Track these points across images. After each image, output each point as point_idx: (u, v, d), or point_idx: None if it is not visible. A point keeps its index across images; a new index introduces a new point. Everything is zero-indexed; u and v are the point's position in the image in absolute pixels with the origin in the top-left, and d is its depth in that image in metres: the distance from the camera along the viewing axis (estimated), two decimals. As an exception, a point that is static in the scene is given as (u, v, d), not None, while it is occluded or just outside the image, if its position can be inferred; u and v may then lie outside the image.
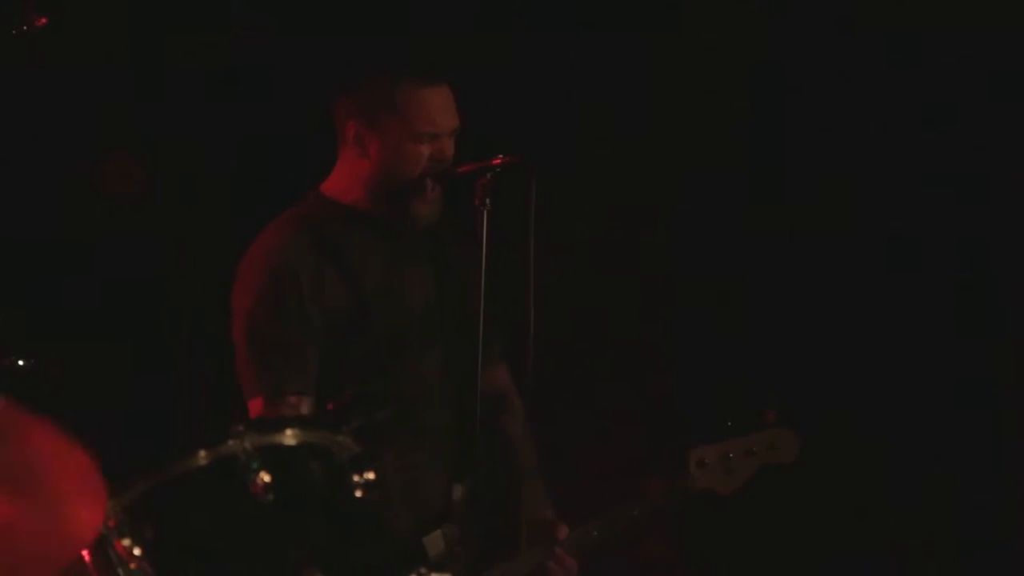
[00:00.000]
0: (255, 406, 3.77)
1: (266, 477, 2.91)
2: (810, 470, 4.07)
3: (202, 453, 2.95)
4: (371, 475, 3.01)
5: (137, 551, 2.90)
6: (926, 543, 5.08)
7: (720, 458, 3.95)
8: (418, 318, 3.90)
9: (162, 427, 4.51)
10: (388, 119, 3.83)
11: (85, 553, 2.95)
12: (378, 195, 3.87)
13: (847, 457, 5.09)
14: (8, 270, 4.51)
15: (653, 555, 5.14)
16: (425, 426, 3.84)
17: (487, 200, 3.79)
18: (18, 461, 2.36)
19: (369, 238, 3.88)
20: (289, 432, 3.01)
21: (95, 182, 4.72)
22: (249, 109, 5.00)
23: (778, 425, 4.03)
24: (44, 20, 4.00)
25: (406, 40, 5.01)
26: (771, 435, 4.02)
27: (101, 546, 2.92)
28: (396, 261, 3.91)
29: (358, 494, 3.01)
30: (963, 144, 5.05)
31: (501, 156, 3.81)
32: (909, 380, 5.10)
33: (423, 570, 2.93)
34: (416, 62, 4.00)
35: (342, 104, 3.92)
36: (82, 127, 4.75)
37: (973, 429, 5.06)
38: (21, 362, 4.36)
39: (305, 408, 3.72)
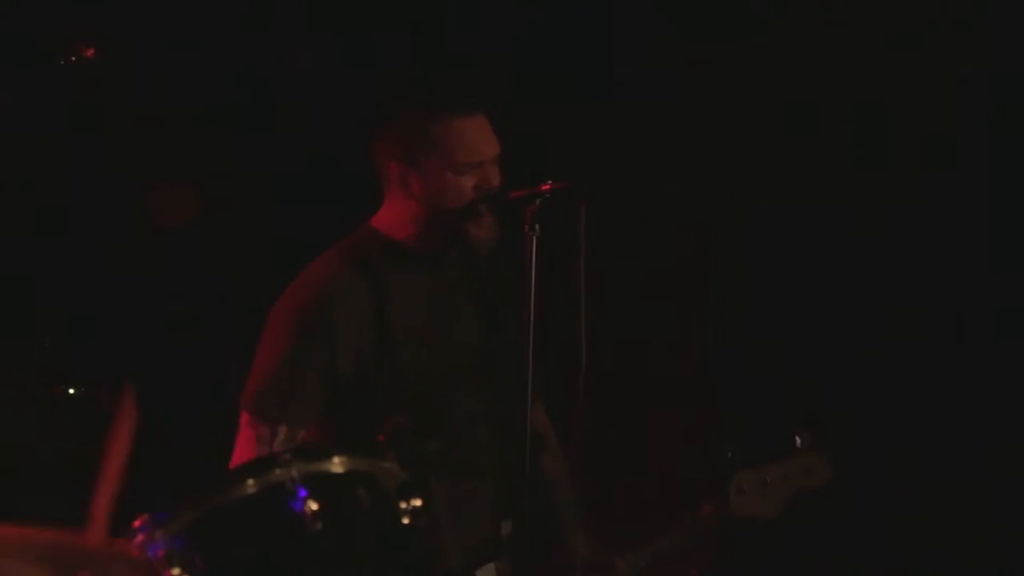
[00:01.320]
0: (242, 418, 3.75)
1: (314, 505, 2.92)
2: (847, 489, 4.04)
3: (250, 481, 2.97)
4: (418, 502, 3.02)
5: (186, 580, 2.91)
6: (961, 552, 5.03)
7: (758, 484, 3.95)
8: (461, 355, 3.87)
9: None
10: (427, 156, 3.77)
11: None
12: (431, 230, 3.83)
13: (886, 473, 5.06)
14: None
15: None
16: (471, 462, 3.81)
17: (536, 226, 3.74)
18: None
19: (417, 275, 3.84)
20: (336, 460, 3.03)
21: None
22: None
23: (812, 448, 4.03)
24: (92, 51, 4.05)
25: (442, 67, 4.99)
26: (806, 459, 4.02)
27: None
28: (442, 299, 3.87)
29: (405, 521, 3.02)
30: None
31: (551, 181, 3.77)
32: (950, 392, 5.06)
33: (470, 596, 2.92)
34: (445, 93, 3.93)
35: (380, 145, 3.87)
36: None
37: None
38: (72, 391, 4.41)
39: (283, 437, 3.68)
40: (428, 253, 3.86)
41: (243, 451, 3.71)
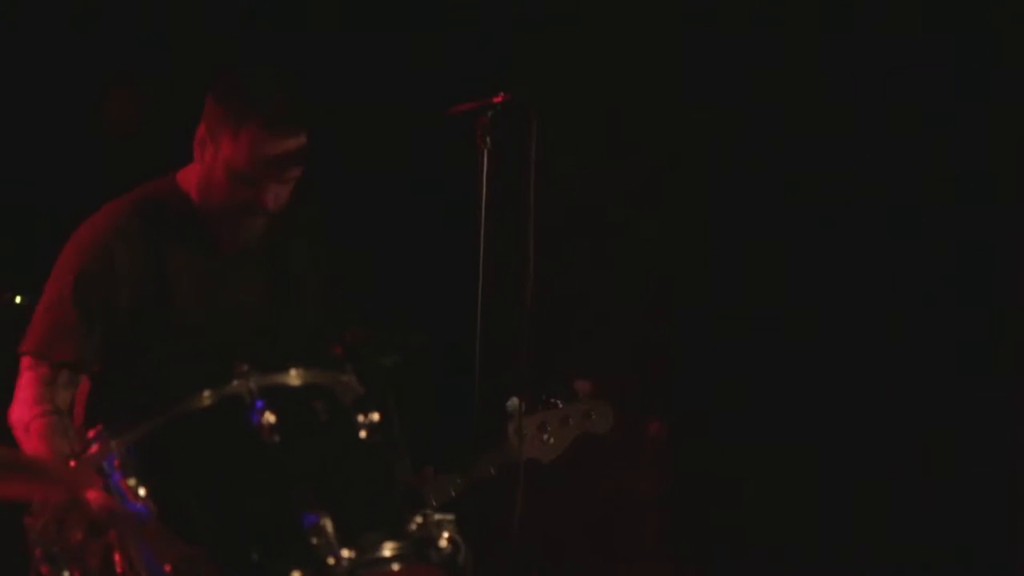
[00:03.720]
0: (23, 361, 3.68)
1: (271, 417, 2.92)
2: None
3: (206, 393, 2.96)
4: (375, 416, 3.02)
5: (142, 491, 2.91)
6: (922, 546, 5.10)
7: (539, 428, 4.04)
8: (239, 315, 3.79)
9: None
10: (226, 144, 3.64)
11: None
12: (211, 200, 3.71)
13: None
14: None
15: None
16: None
17: (487, 139, 3.73)
18: None
19: (204, 235, 3.74)
20: (293, 373, 3.02)
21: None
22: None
23: (592, 396, 4.14)
24: None
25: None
26: (586, 406, 4.12)
27: (107, 484, 2.94)
28: (226, 261, 3.76)
29: (362, 434, 3.02)
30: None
31: (502, 94, 3.75)
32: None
33: (428, 511, 2.93)
34: (273, 105, 3.68)
35: (208, 99, 3.72)
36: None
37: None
38: (18, 299, 4.36)
39: (64, 379, 3.62)
40: (209, 216, 3.75)
41: (25, 391, 3.64)
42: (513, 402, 3.87)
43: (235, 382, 2.95)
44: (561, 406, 4.09)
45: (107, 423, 2.96)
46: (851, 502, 5.10)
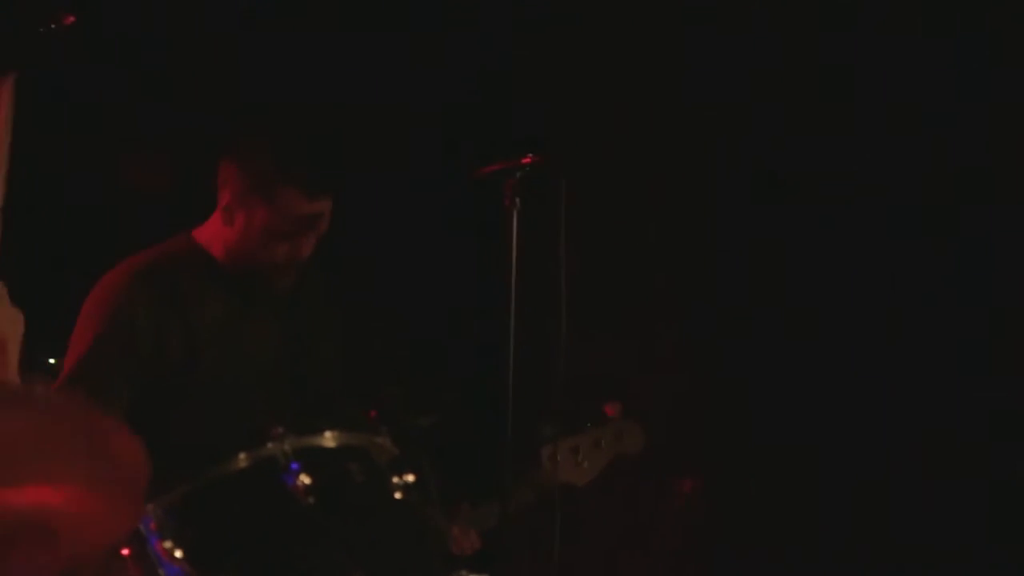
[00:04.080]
0: None
1: (306, 479, 2.93)
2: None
3: (242, 456, 2.98)
4: (410, 477, 3.03)
5: (179, 553, 2.92)
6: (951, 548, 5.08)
7: (569, 452, 4.05)
8: (260, 373, 3.77)
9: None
10: (260, 206, 3.69)
11: (126, 551, 2.98)
12: (239, 262, 3.75)
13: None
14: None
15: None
16: None
17: (516, 200, 3.75)
18: (74, 448, 2.38)
19: (221, 291, 3.76)
20: (328, 435, 3.04)
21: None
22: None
23: (622, 417, 4.15)
24: (72, 18, 4.00)
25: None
26: (616, 427, 4.13)
27: (142, 547, 2.95)
28: (247, 317, 3.78)
29: (397, 495, 3.03)
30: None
31: (531, 155, 3.78)
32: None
33: (463, 572, 2.94)
34: (306, 170, 3.73)
35: (226, 168, 3.77)
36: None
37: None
38: (52, 361, 4.36)
39: None
40: (235, 274, 3.78)
41: None
42: (545, 428, 3.90)
43: (270, 444, 2.97)
44: (592, 429, 4.10)
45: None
46: (849, 504, 5.08)
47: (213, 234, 3.80)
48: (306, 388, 3.84)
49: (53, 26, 3.98)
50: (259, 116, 4.83)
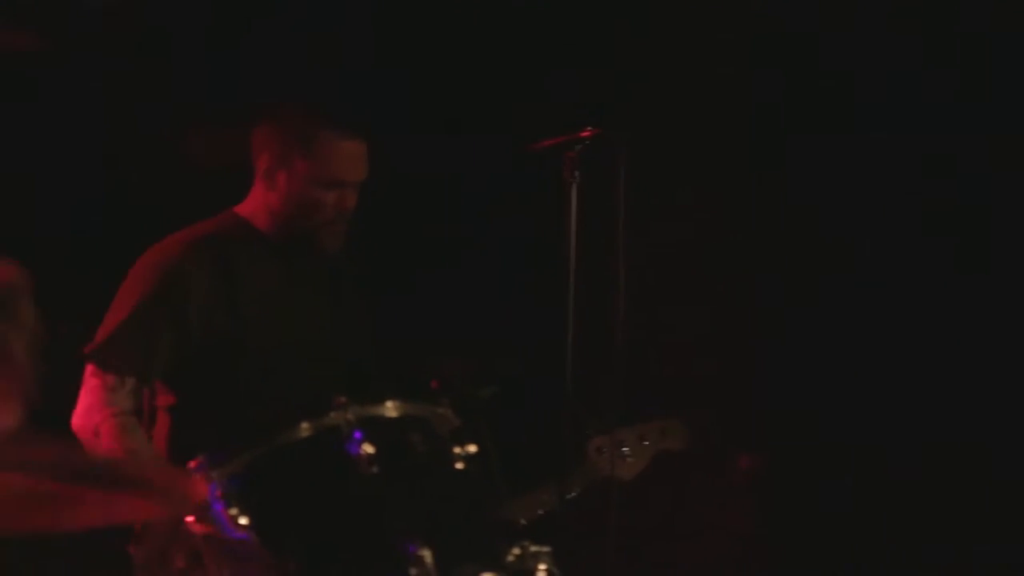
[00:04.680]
0: (87, 368, 3.70)
1: (369, 448, 2.96)
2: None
3: (305, 425, 3.01)
4: (472, 448, 3.05)
5: (244, 520, 2.95)
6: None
7: (616, 446, 4.07)
8: (303, 342, 3.83)
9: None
10: (300, 161, 3.79)
11: (191, 518, 3.02)
12: (285, 226, 3.83)
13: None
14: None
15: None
16: None
17: (576, 173, 3.76)
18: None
19: (269, 261, 3.83)
20: (390, 404, 3.06)
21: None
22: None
23: (665, 414, 4.21)
24: None
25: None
26: (660, 424, 4.19)
27: (207, 514, 2.98)
28: (290, 287, 3.85)
29: (459, 466, 3.05)
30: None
31: (590, 128, 3.79)
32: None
33: (525, 543, 2.96)
34: (338, 118, 3.89)
35: (260, 135, 3.88)
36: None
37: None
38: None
39: (129, 388, 3.65)
40: (282, 244, 3.85)
41: (89, 398, 3.66)
42: (592, 421, 3.93)
43: (333, 414, 2.99)
44: (636, 425, 4.16)
45: (207, 454, 3.01)
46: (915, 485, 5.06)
47: (256, 206, 3.87)
48: (350, 357, 3.89)
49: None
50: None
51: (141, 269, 3.78)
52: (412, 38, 5.11)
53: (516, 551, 2.94)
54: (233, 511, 2.95)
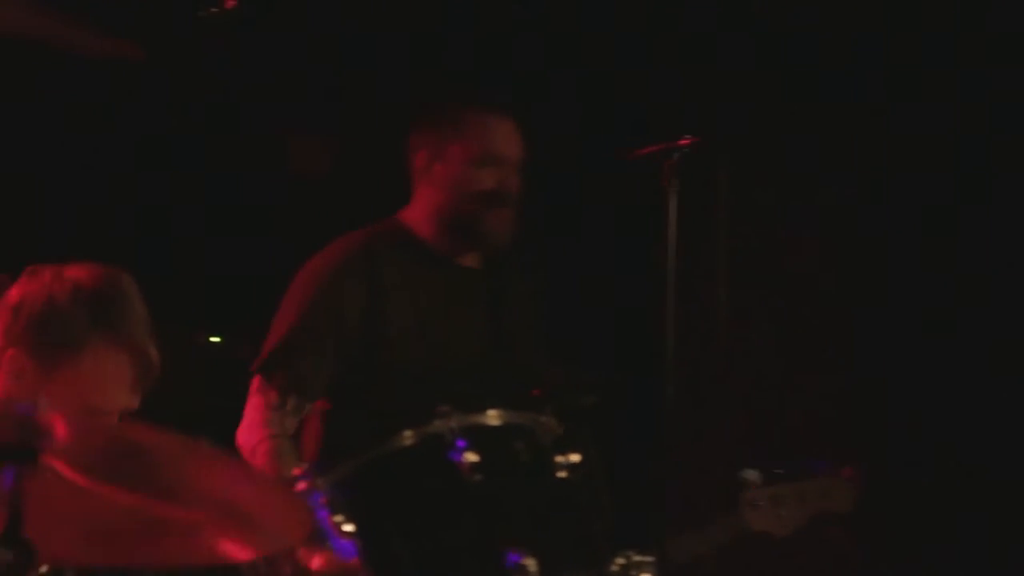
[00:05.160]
0: (253, 383, 3.78)
1: (472, 457, 2.97)
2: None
3: (408, 433, 3.02)
4: (575, 457, 3.06)
5: (349, 527, 2.97)
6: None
7: (772, 501, 3.93)
8: (456, 358, 3.86)
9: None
10: (454, 144, 3.86)
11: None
12: (450, 223, 3.88)
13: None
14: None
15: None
16: None
17: (674, 181, 3.76)
18: (217, 491, 2.45)
19: (427, 271, 3.88)
20: (493, 413, 3.07)
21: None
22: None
23: (833, 474, 4.01)
24: (234, 2, 4.07)
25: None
26: (825, 483, 4.00)
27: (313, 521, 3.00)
28: (448, 301, 3.89)
29: (561, 475, 3.05)
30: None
31: (689, 136, 3.79)
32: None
33: (629, 552, 2.96)
34: (483, 94, 4.02)
35: (413, 135, 3.95)
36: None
37: None
38: (214, 339, 4.46)
39: (291, 406, 3.72)
40: (444, 255, 3.89)
41: (252, 415, 3.74)
42: (750, 472, 3.87)
43: (437, 422, 3.01)
44: (798, 481, 3.98)
45: (313, 461, 3.04)
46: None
47: (418, 209, 3.93)
48: (506, 367, 3.90)
49: (215, 10, 4.08)
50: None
51: (302, 279, 3.86)
52: (513, 40, 5.12)
53: (620, 560, 2.95)
54: (338, 518, 2.97)
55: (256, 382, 3.78)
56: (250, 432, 3.71)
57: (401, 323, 3.81)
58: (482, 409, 3.07)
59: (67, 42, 4.31)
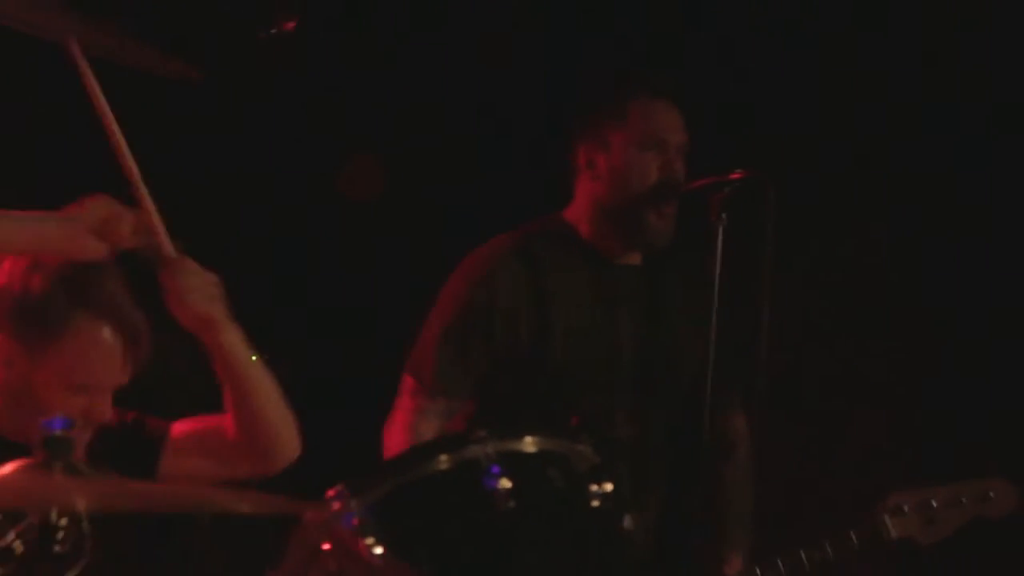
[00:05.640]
0: (407, 382, 3.87)
1: (507, 483, 2.96)
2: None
3: (444, 457, 3.02)
4: (609, 486, 3.04)
5: (378, 550, 2.97)
6: None
7: (920, 505, 3.80)
8: (615, 359, 3.90)
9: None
10: (615, 132, 3.88)
11: (327, 546, 3.04)
12: (612, 220, 3.90)
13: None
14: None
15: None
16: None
17: (723, 215, 3.77)
18: None
19: (586, 273, 3.91)
20: (529, 440, 3.06)
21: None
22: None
23: (995, 474, 3.87)
24: (292, 24, 4.11)
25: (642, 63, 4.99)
26: (986, 485, 3.84)
27: (343, 544, 3.00)
28: (606, 301, 3.92)
29: (595, 504, 3.04)
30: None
31: (740, 171, 3.80)
32: None
33: (659, 583, 2.95)
34: (646, 80, 4.02)
35: (574, 130, 3.98)
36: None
37: None
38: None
39: (441, 408, 3.81)
40: (604, 254, 3.89)
41: (401, 416, 3.83)
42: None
43: (473, 447, 3.01)
44: (955, 483, 3.86)
45: (347, 482, 3.03)
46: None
47: (580, 206, 3.97)
48: (659, 371, 3.91)
49: (274, 31, 4.12)
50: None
51: (455, 282, 3.94)
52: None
53: (649, 592, 2.94)
54: (368, 541, 2.97)
55: (407, 381, 3.86)
56: (397, 435, 3.80)
57: (565, 324, 3.84)
58: (519, 435, 3.07)
59: (131, 59, 4.35)
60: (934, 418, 5.03)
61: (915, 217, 5.11)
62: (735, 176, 3.79)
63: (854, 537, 3.84)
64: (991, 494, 3.85)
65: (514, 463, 2.99)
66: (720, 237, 3.77)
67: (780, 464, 3.98)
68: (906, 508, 3.82)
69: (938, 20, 5.00)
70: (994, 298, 5.01)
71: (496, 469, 2.97)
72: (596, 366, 3.86)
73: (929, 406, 5.06)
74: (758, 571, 3.83)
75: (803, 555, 3.81)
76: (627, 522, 3.55)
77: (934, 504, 3.82)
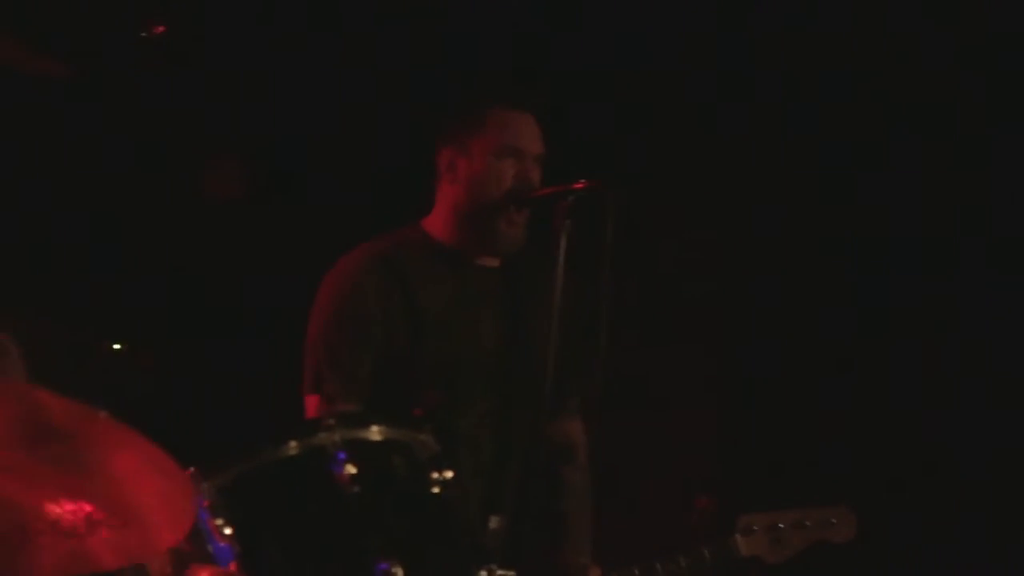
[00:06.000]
0: (311, 401, 3.91)
1: (352, 469, 3.10)
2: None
3: (293, 443, 3.15)
4: (449, 474, 3.20)
5: (228, 530, 3.10)
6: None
7: (769, 526, 4.02)
8: (481, 355, 4.01)
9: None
10: (475, 139, 4.00)
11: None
12: (465, 220, 4.01)
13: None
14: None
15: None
16: (468, 459, 3.90)
17: (567, 222, 3.89)
18: (109, 474, 2.57)
19: (445, 273, 4.02)
20: (375, 428, 3.21)
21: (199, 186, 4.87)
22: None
23: (839, 503, 4.09)
24: (162, 28, 4.20)
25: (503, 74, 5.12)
26: (830, 512, 4.07)
27: (194, 524, 3.12)
28: (466, 302, 4.03)
29: (435, 490, 3.19)
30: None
31: (584, 180, 3.92)
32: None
33: (492, 566, 3.10)
34: (506, 91, 4.18)
35: (439, 134, 4.11)
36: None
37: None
38: (116, 346, 4.55)
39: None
40: (464, 257, 4.03)
41: None
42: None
43: (321, 434, 3.15)
44: (800, 508, 4.06)
45: (200, 464, 3.16)
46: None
47: (438, 211, 4.06)
48: (518, 369, 4.02)
49: (144, 35, 4.21)
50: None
51: (326, 292, 3.98)
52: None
53: (483, 573, 3.09)
54: (219, 521, 3.10)
55: (310, 401, 3.91)
56: None
57: (434, 324, 3.95)
58: (365, 424, 3.22)
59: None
60: (762, 418, 5.23)
61: (744, 219, 5.27)
62: (578, 185, 3.90)
63: (707, 553, 4.02)
64: (833, 520, 4.09)
65: (360, 450, 3.13)
66: (563, 243, 3.87)
67: (612, 464, 4.09)
68: (756, 528, 4.03)
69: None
70: (822, 300, 5.22)
71: (342, 455, 3.11)
72: (462, 364, 3.97)
73: (758, 407, 5.27)
74: None
75: (659, 567, 3.97)
76: (492, 522, 3.77)
77: (781, 526, 4.04)
